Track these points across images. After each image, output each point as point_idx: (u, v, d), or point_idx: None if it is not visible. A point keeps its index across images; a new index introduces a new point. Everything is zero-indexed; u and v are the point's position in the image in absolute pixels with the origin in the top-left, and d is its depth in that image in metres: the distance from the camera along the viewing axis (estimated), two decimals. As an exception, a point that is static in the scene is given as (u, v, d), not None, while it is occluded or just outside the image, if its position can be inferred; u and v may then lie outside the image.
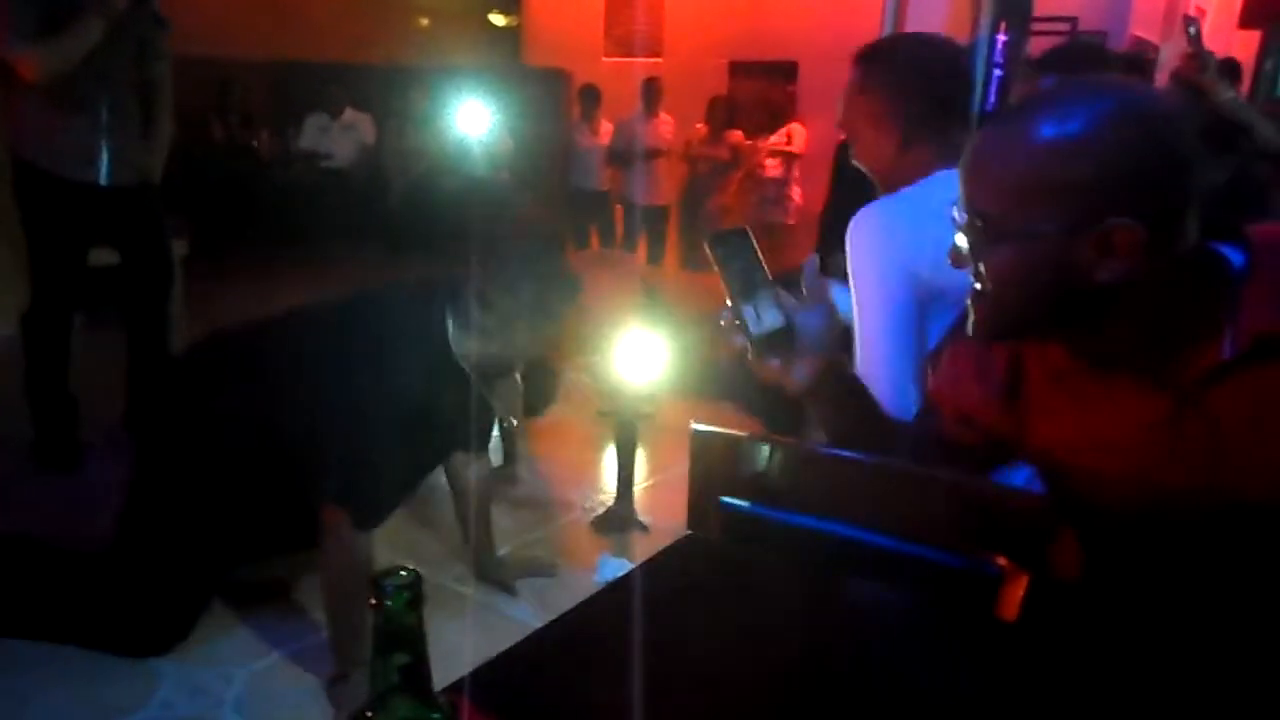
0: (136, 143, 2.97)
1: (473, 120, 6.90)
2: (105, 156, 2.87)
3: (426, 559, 2.54)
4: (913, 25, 4.74)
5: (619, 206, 6.99)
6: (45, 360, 2.98)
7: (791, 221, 6.38)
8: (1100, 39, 5.39)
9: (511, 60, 8.96)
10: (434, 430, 2.07)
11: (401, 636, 0.55)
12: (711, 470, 1.19)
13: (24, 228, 2.89)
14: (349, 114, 7.31)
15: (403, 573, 0.55)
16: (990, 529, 1.05)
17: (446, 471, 2.42)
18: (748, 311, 1.04)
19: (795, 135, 6.47)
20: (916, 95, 1.47)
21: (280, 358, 2.01)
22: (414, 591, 0.54)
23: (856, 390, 1.19)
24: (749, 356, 1.08)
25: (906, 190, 1.47)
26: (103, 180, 2.87)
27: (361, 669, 1.84)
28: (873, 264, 1.44)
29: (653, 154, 6.63)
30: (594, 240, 7.01)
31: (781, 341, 1.07)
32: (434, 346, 1.96)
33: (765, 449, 1.17)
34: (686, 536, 1.17)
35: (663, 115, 6.71)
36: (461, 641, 2.05)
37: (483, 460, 2.43)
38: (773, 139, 6.48)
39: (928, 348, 1.44)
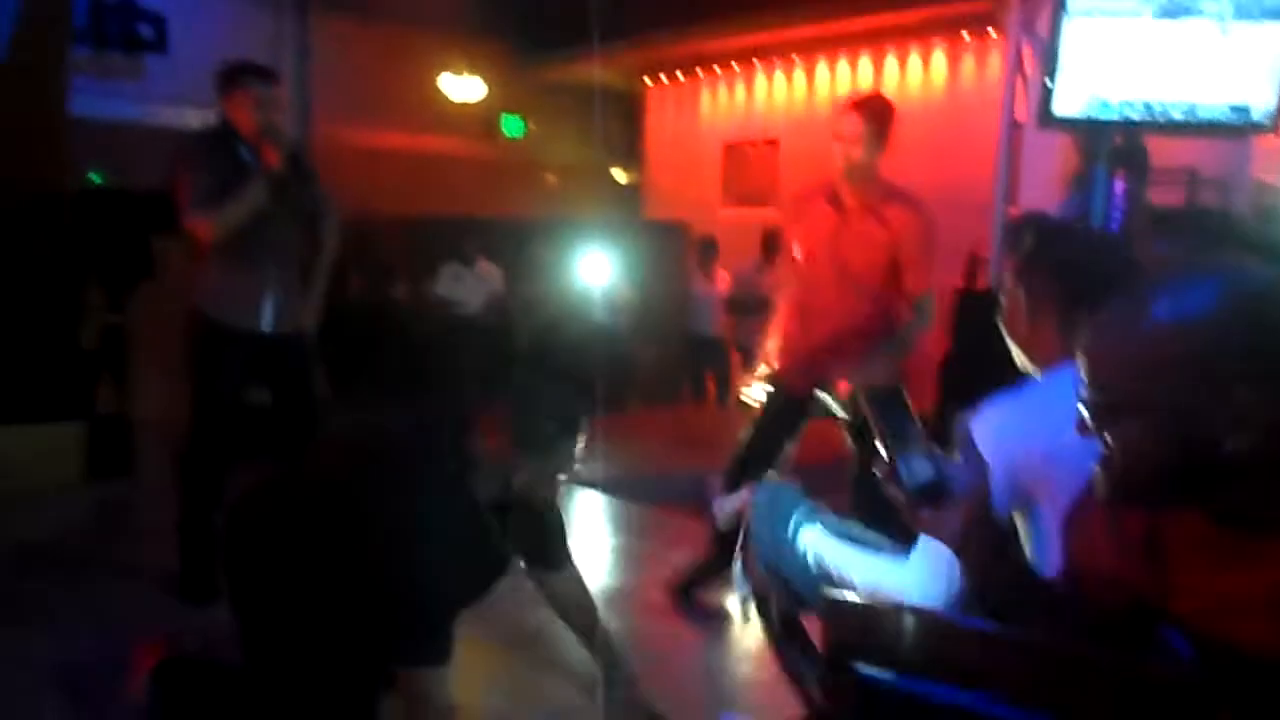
0: (296, 293, 3.24)
1: (596, 270, 7.20)
2: (269, 306, 3.14)
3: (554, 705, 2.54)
4: (1026, 173, 4.78)
5: (736, 353, 7.09)
6: (201, 498, 3.17)
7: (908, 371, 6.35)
8: (1220, 187, 5.30)
9: (633, 213, 9.38)
10: (478, 555, 2.07)
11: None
12: (846, 639, 1.19)
13: (192, 372, 3.15)
14: (481, 264, 7.72)
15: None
16: (1141, 706, 1.01)
17: (550, 603, 2.42)
18: (902, 464, 1.08)
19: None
20: (1060, 289, 1.51)
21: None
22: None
23: (1005, 545, 1.19)
24: (903, 507, 1.11)
25: (1028, 388, 1.51)
26: (266, 327, 3.13)
27: None
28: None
29: (770, 302, 6.75)
30: (710, 386, 7.11)
31: (934, 493, 1.09)
32: (449, 477, 1.99)
33: (903, 618, 1.16)
34: (819, 707, 1.16)
35: (780, 267, 6.85)
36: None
37: (565, 576, 2.42)
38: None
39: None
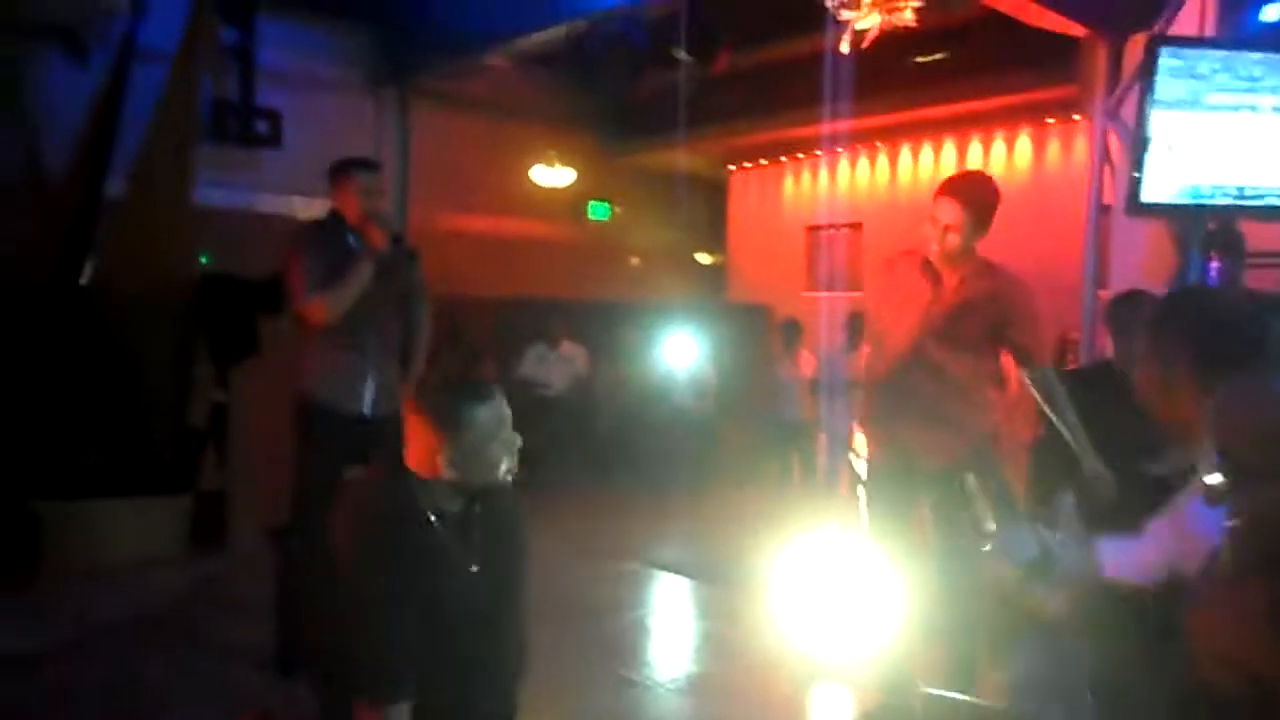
0: (396, 376, 3.37)
1: (679, 352, 7.28)
2: (371, 389, 3.26)
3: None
4: (1116, 257, 4.72)
5: (823, 436, 7.05)
6: (299, 577, 3.27)
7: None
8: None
9: (716, 295, 9.48)
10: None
11: None
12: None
13: (297, 455, 3.28)
14: (566, 345, 7.88)
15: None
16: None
17: None
18: (1009, 541, 1.09)
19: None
20: (1196, 351, 1.41)
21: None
22: None
23: (1113, 622, 1.17)
24: (1011, 584, 1.11)
25: None
26: (367, 411, 3.26)
27: None
28: None
29: (855, 385, 6.73)
30: (796, 469, 7.06)
31: (1041, 571, 1.11)
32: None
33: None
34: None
35: (865, 348, 6.84)
36: None
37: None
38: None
39: None
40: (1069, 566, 1.14)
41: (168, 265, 5.25)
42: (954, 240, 2.89)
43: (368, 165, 3.36)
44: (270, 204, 6.79)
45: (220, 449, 5.25)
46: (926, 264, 2.99)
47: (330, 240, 3.25)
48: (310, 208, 7.30)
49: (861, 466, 3.19)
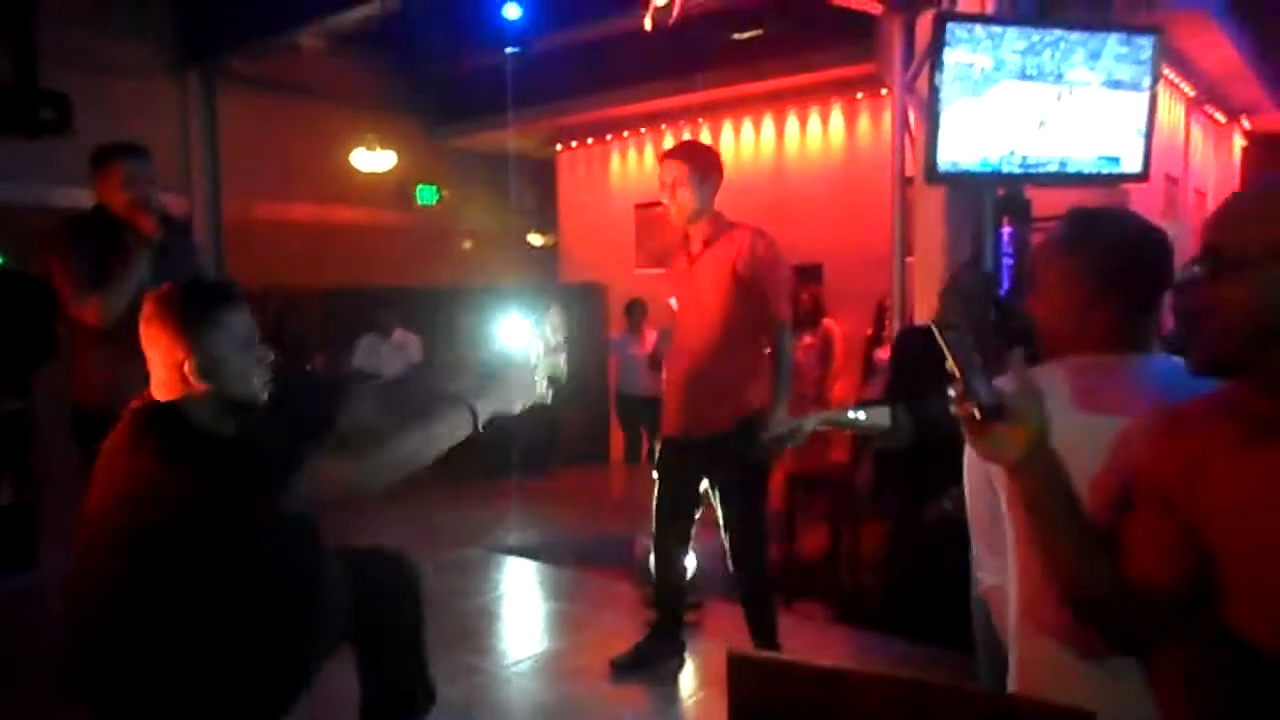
0: None
1: (514, 335, 7.22)
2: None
3: None
4: (920, 225, 5.00)
5: (661, 409, 7.20)
6: None
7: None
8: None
9: (550, 276, 9.46)
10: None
11: None
12: (753, 695, 1.24)
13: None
14: (398, 334, 7.69)
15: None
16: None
17: None
18: (975, 386, 1.15)
19: (833, 332, 6.70)
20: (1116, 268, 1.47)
21: None
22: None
23: (1062, 472, 1.20)
24: (976, 424, 1.15)
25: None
26: None
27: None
28: None
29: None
30: (645, 440, 7.22)
31: (999, 414, 1.16)
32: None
33: (804, 672, 1.22)
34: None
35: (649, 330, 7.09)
36: None
37: None
38: (807, 338, 6.69)
39: None
40: (1022, 415, 1.16)
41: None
42: (685, 196, 3.08)
43: (133, 151, 3.12)
44: (65, 197, 6.28)
45: (17, 462, 4.86)
46: (684, 240, 3.22)
47: (96, 235, 3.00)
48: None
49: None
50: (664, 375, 3.38)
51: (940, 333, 1.17)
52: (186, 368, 1.82)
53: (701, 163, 3.12)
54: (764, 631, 3.18)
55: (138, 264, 2.95)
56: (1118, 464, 1.30)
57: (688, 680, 3.30)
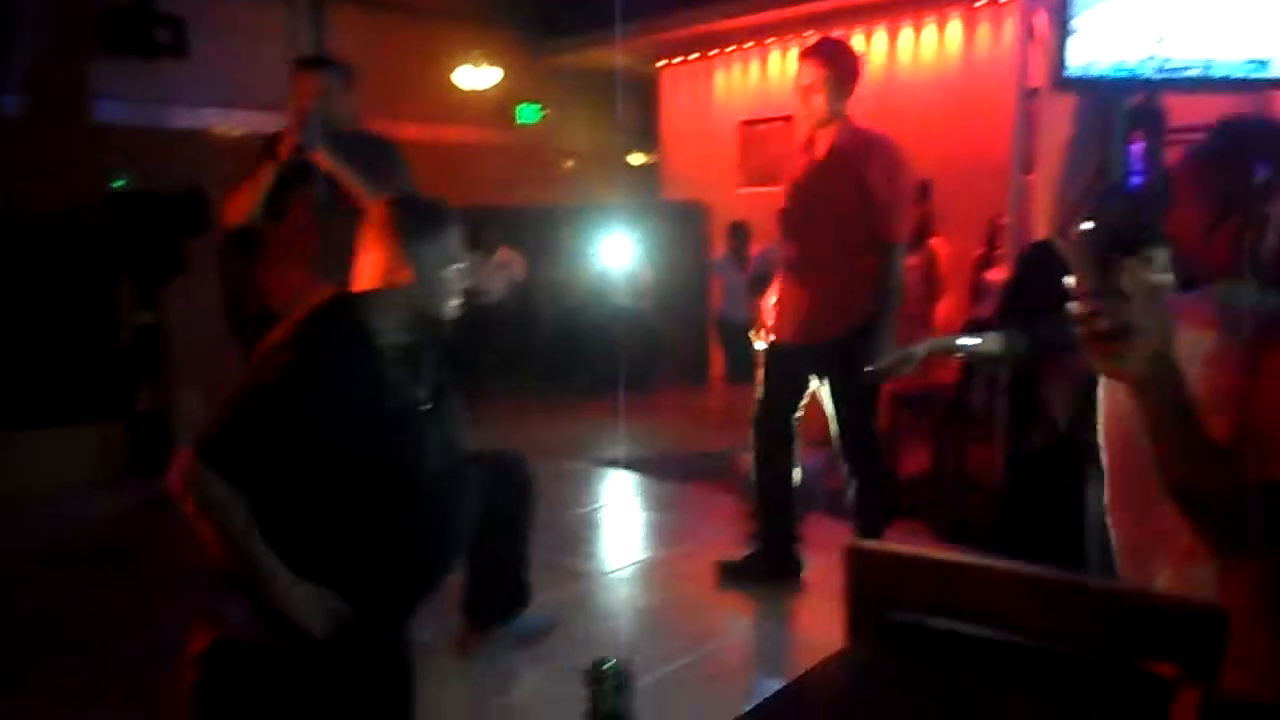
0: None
1: (616, 253, 7.24)
2: None
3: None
4: (1043, 137, 4.76)
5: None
6: None
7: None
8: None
9: (651, 195, 9.39)
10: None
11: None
12: (870, 584, 1.23)
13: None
14: (502, 252, 7.79)
15: (613, 662, 0.63)
16: (1161, 638, 1.05)
17: None
18: (1103, 299, 1.11)
19: (938, 252, 6.51)
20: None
21: None
22: (622, 680, 0.63)
23: (1185, 387, 1.17)
24: (1099, 341, 1.12)
25: None
26: None
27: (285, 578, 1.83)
28: None
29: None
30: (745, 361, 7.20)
31: (1126, 332, 1.12)
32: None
33: (925, 563, 1.21)
34: (843, 650, 1.21)
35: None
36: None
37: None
38: (912, 259, 6.51)
39: None
40: (1146, 330, 1.12)
41: (73, 185, 5.04)
42: (819, 101, 3.00)
43: (304, 64, 3.19)
44: (181, 118, 6.49)
45: (152, 372, 5.14)
46: (808, 143, 3.12)
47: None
48: (228, 121, 7.03)
49: (761, 348, 3.32)
50: (776, 282, 3.34)
51: (1067, 241, 1.12)
52: (394, 274, 1.95)
53: (841, 66, 3.04)
54: (872, 537, 3.17)
55: (259, 177, 3.00)
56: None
57: (788, 588, 3.33)
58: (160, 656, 2.02)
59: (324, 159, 2.91)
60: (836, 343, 3.06)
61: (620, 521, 4.30)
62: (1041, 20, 4.29)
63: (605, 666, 0.64)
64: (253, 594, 1.87)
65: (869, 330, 2.98)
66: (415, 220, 1.97)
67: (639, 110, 9.93)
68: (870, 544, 1.22)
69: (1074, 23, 3.65)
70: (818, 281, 3.09)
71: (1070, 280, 1.12)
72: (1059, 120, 4.37)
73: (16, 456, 4.53)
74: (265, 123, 3.33)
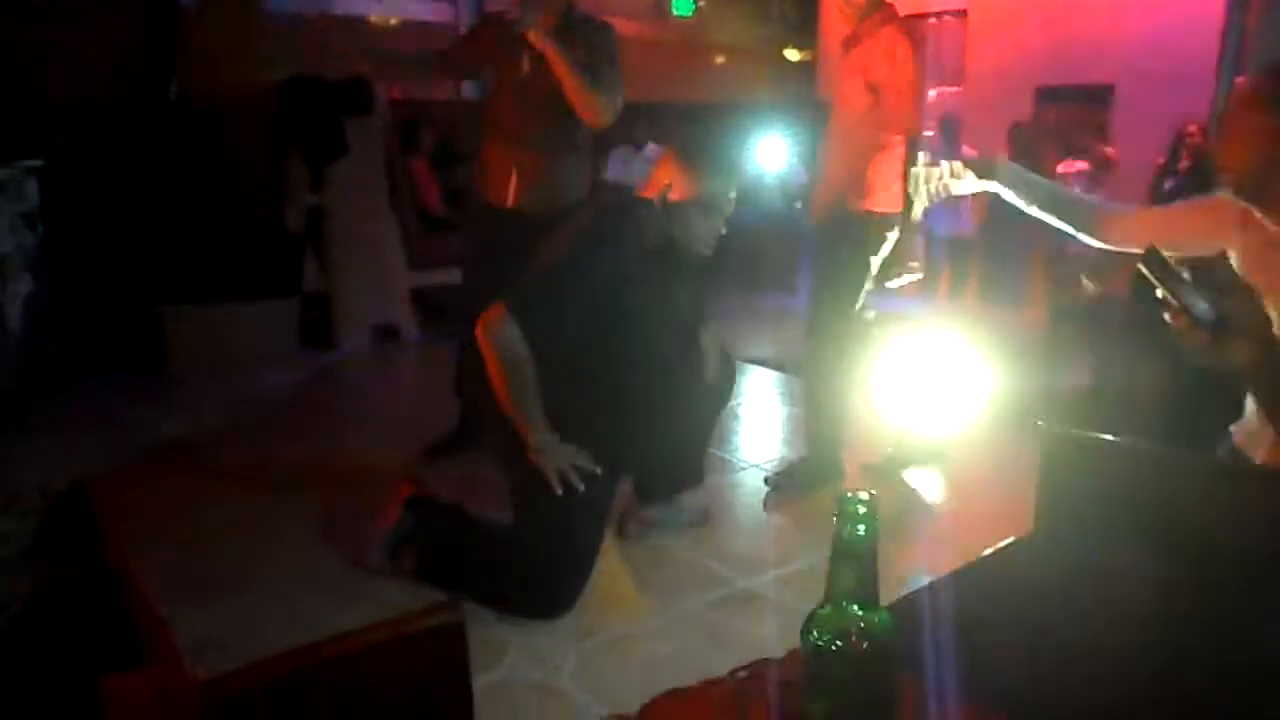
0: (539, 175, 3.18)
1: (769, 153, 7.09)
2: (512, 185, 3.16)
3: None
4: (1260, 42, 4.37)
5: (922, 239, 6.89)
6: (470, 363, 3.32)
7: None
8: None
9: (806, 93, 9.11)
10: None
11: (856, 551, 0.64)
12: (1060, 473, 1.21)
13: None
14: (651, 148, 7.74)
15: (864, 495, 0.64)
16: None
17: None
18: (1190, 305, 1.18)
19: (1111, 158, 6.13)
20: None
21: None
22: (871, 512, 0.64)
23: None
24: (1200, 342, 1.19)
25: None
26: (511, 205, 3.15)
27: (545, 432, 2.23)
28: None
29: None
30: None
31: (1219, 328, 1.20)
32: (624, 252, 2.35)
33: (1117, 450, 1.18)
34: (1030, 535, 1.20)
35: (965, 149, 6.56)
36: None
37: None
38: (1079, 163, 6.14)
39: None
40: (1241, 325, 1.20)
41: (246, 72, 5.25)
42: None
43: None
44: (346, 5, 6.66)
45: (319, 252, 5.38)
46: (848, 38, 3.03)
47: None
48: (387, 11, 7.14)
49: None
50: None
51: (1143, 264, 1.17)
52: (674, 194, 2.37)
53: None
54: None
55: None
56: None
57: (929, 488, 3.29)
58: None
59: (537, 38, 2.89)
60: (838, 222, 3.02)
61: (763, 418, 4.32)
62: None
63: (855, 497, 0.65)
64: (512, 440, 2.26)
65: (881, 222, 2.98)
66: (711, 154, 2.42)
67: (798, 4, 9.58)
68: (1064, 430, 1.20)
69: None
70: (839, 168, 3.06)
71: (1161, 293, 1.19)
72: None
73: (210, 328, 4.88)
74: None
